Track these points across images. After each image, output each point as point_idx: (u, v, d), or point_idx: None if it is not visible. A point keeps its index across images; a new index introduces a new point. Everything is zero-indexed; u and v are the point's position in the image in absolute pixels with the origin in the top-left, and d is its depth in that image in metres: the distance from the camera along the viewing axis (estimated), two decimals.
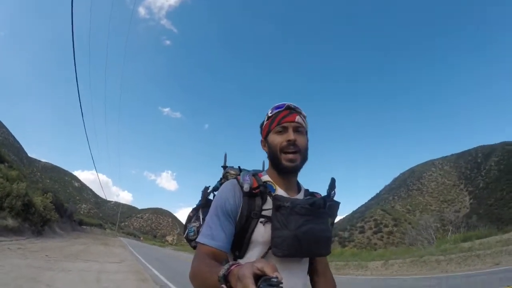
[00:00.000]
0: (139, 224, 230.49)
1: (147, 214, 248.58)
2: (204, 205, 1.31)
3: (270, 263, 0.65)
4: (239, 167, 1.33)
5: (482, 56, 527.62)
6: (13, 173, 22.52)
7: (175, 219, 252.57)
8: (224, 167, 1.40)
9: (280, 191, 1.11)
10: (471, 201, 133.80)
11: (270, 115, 1.16)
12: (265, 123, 1.19)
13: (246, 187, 1.04)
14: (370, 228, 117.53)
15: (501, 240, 13.25)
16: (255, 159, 1.55)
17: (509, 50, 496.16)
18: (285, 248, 0.97)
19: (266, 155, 1.21)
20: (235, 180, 1.12)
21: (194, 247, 1.19)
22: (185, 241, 1.32)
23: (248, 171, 1.21)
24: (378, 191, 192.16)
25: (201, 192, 1.38)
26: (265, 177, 1.15)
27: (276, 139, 1.11)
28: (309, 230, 1.01)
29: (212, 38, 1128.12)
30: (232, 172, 1.31)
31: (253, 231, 1.04)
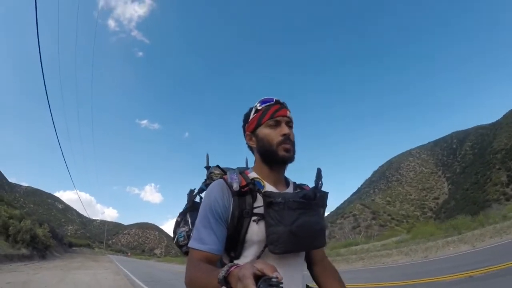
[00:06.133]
0: (126, 240, 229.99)
1: (133, 230, 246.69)
2: (191, 208, 1.30)
3: (269, 263, 0.65)
4: (218, 166, 1.30)
5: (451, 36, 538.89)
6: (16, 212, 28.95)
7: (161, 232, 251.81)
8: (207, 167, 1.36)
9: (269, 187, 1.09)
10: (449, 186, 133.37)
11: (259, 108, 1.13)
12: (252, 116, 1.15)
13: (235, 186, 1.01)
14: (350, 223, 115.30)
15: (364, 248, 17.19)
16: (238, 158, 1.52)
17: (479, 31, 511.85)
18: (282, 245, 0.95)
19: (247, 149, 1.19)
20: (221, 180, 1.08)
21: (186, 253, 1.17)
22: (176, 247, 1.29)
23: (233, 169, 1.16)
24: (359, 186, 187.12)
25: (186, 196, 1.36)
26: (252, 174, 1.12)
27: (271, 134, 1.09)
28: (304, 223, 0.99)
29: (184, 45, 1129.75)
30: (216, 172, 1.27)
31: (246, 230, 1.00)
